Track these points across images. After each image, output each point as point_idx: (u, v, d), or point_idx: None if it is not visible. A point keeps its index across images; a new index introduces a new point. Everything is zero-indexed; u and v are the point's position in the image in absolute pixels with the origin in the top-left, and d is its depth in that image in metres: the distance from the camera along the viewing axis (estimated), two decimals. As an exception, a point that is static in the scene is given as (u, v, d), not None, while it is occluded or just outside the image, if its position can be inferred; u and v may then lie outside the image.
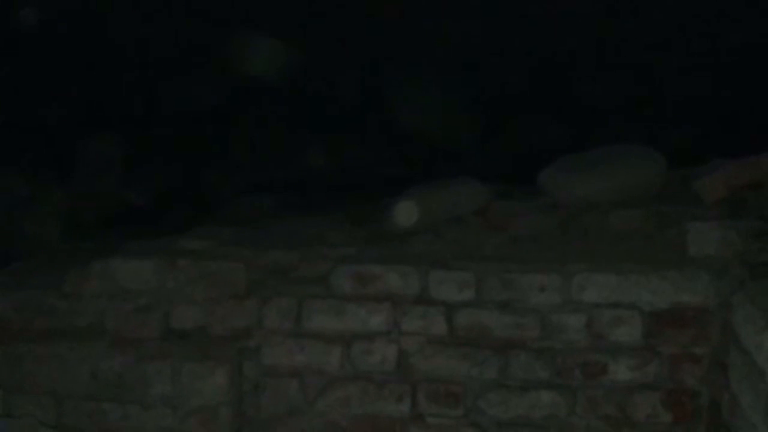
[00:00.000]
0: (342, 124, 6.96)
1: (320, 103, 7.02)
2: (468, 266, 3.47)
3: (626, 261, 3.41)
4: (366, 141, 6.90)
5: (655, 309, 3.31)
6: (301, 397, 3.54)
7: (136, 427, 3.54)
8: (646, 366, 3.33)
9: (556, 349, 3.38)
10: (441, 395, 3.46)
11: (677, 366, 3.32)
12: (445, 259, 3.54)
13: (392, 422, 3.49)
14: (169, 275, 3.62)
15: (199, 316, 3.61)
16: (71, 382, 3.58)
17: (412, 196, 3.98)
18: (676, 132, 6.04)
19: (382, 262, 3.52)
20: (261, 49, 7.01)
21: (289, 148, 6.80)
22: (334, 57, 7.15)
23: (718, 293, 3.24)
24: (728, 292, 3.15)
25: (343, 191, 5.16)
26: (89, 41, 6.83)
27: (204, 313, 3.60)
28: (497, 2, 6.94)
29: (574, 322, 3.36)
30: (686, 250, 3.40)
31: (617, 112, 6.56)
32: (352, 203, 4.49)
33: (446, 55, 6.99)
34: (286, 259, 3.62)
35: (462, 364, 3.43)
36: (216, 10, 7.28)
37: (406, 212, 3.94)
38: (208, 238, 3.86)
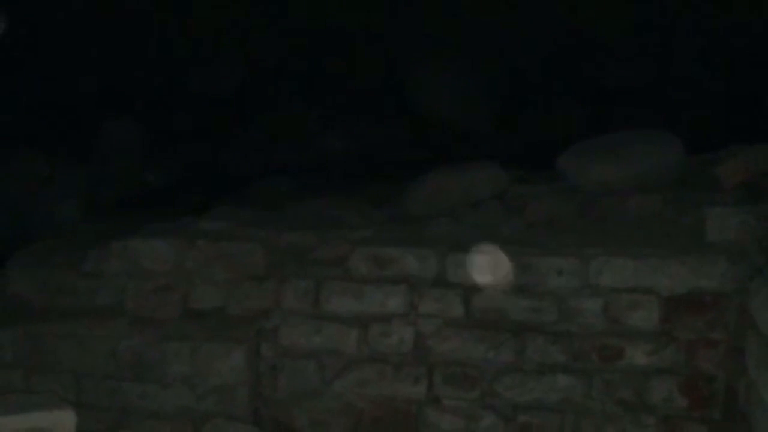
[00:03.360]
0: (361, 107, 6.97)
1: (340, 86, 7.03)
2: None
3: (644, 246, 3.40)
4: (385, 124, 6.90)
5: (672, 294, 3.31)
6: (318, 378, 3.56)
7: (155, 405, 3.58)
8: (662, 351, 3.33)
9: (572, 332, 3.39)
10: (457, 378, 3.47)
11: (694, 351, 3.32)
12: (463, 241, 3.54)
13: (409, 404, 3.51)
14: (188, 256, 3.65)
15: (217, 296, 3.64)
16: (91, 360, 3.62)
17: (430, 180, 3.99)
18: (695, 117, 6.02)
19: (400, 245, 3.53)
20: (282, 31, 7.02)
21: (309, 130, 6.81)
22: (354, 40, 7.15)
23: (736, 278, 3.23)
24: (746, 278, 3.15)
25: (362, 174, 5.17)
26: (111, 21, 6.86)
27: (222, 294, 3.63)
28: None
29: (592, 306, 3.36)
30: (704, 235, 3.39)
31: (637, 97, 6.53)
32: (370, 186, 4.50)
33: (465, 38, 6.98)
34: (304, 241, 3.63)
35: (478, 346, 3.44)
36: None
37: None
38: (227, 219, 3.88)
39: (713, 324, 3.29)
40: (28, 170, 5.80)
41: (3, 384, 3.63)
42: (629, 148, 3.89)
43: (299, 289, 3.56)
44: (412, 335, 3.49)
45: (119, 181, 5.97)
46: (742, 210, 3.37)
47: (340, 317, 3.53)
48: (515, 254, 3.43)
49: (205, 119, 6.76)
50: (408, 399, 3.51)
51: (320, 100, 7.01)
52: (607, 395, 3.38)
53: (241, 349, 3.53)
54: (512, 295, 3.42)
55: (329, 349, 3.54)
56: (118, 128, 6.44)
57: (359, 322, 3.52)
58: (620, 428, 3.37)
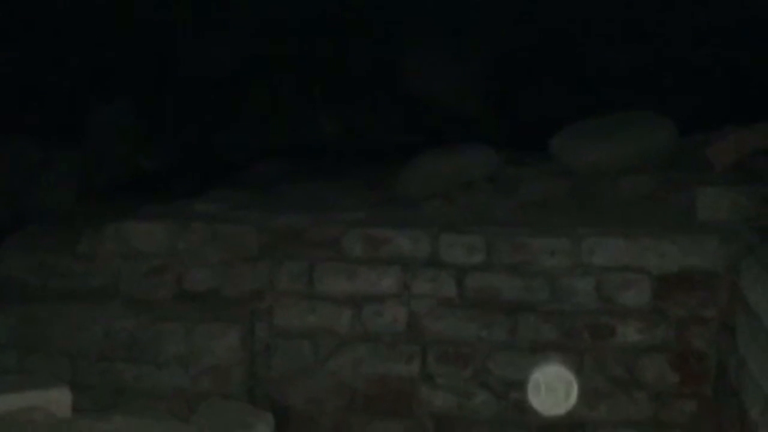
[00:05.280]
0: (354, 91, 6.96)
1: (333, 69, 7.01)
2: (478, 230, 3.49)
3: (636, 225, 3.43)
4: (378, 107, 6.90)
5: (663, 273, 3.34)
6: (312, 358, 3.58)
7: (150, 386, 3.59)
8: (654, 328, 3.36)
9: (565, 311, 3.41)
10: (450, 356, 3.50)
11: (685, 329, 3.35)
12: (456, 222, 3.56)
13: (402, 382, 3.53)
14: (183, 238, 3.66)
15: (211, 278, 3.65)
16: (85, 342, 3.63)
17: (423, 162, 4.00)
18: (687, 98, 6.02)
19: (393, 226, 3.55)
20: (275, 14, 7.01)
21: (302, 113, 6.81)
22: (346, 23, 7.14)
23: (727, 257, 3.26)
24: (737, 256, 3.17)
25: (356, 157, 5.18)
26: (104, 2, 6.83)
27: (217, 276, 3.64)
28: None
29: (584, 285, 3.39)
30: (695, 214, 3.42)
31: (629, 79, 6.54)
32: (364, 168, 4.51)
33: (457, 20, 6.97)
34: (298, 223, 3.65)
35: (471, 325, 3.47)
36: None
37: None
38: (221, 201, 3.89)
39: (704, 302, 3.33)
40: (21, 154, 5.80)
41: (-2, 365, 3.64)
42: (622, 130, 3.92)
43: (293, 270, 3.58)
44: (406, 315, 3.51)
45: (113, 164, 5.96)
46: (733, 190, 3.40)
47: (333, 297, 3.55)
48: (508, 235, 3.45)
49: (199, 102, 6.75)
50: (401, 377, 3.53)
51: (314, 84, 7.00)
52: (599, 372, 3.41)
53: (235, 329, 3.55)
54: (505, 274, 3.44)
55: (323, 328, 3.56)
56: (112, 111, 6.43)
57: (353, 302, 3.54)
58: (612, 404, 3.40)
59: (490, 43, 6.91)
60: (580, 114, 4.16)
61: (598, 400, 3.41)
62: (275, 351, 3.60)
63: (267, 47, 7.11)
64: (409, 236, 3.51)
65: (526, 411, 3.45)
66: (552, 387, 3.42)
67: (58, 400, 2.27)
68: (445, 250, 3.48)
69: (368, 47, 7.13)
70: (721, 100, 6.01)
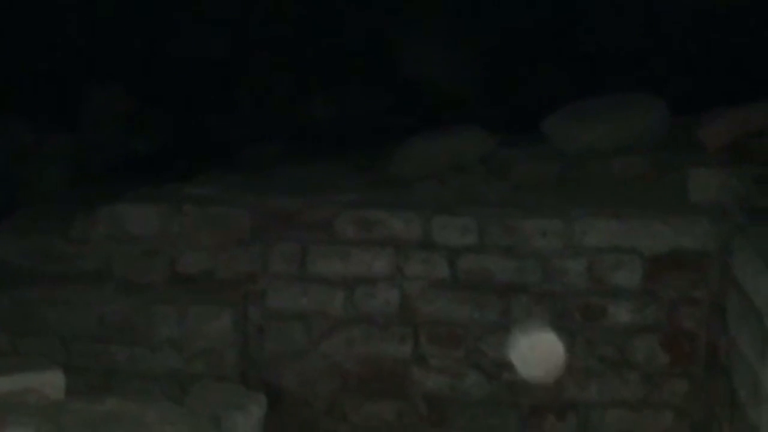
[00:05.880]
0: (347, 72, 6.95)
1: (325, 51, 7.00)
2: (471, 211, 3.50)
3: (627, 206, 3.44)
4: (371, 89, 6.89)
5: (655, 253, 3.35)
6: (305, 340, 3.59)
7: (143, 368, 3.60)
8: (645, 309, 3.37)
9: (556, 292, 3.43)
10: (443, 337, 3.51)
11: (676, 309, 3.36)
12: (449, 204, 3.57)
13: (395, 363, 3.54)
14: (175, 220, 3.66)
15: (204, 260, 3.65)
16: (79, 325, 3.64)
17: (416, 144, 4.00)
18: (679, 80, 6.03)
19: (385, 208, 3.55)
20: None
21: (294, 95, 6.80)
22: (340, 5, 7.12)
23: (718, 238, 3.27)
24: (728, 237, 3.18)
25: (348, 139, 5.18)
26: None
27: (209, 258, 3.64)
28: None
29: (575, 266, 3.40)
30: (687, 195, 3.43)
31: (621, 60, 6.54)
32: (356, 150, 4.51)
33: (452, 2, 6.97)
34: (290, 205, 3.64)
35: (464, 307, 3.48)
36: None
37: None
38: (213, 184, 3.89)
39: (695, 283, 3.34)
40: (13, 137, 5.79)
41: (-10, 349, 3.65)
42: (614, 111, 3.92)
43: (286, 252, 3.58)
44: (398, 296, 3.52)
45: (105, 148, 5.96)
46: (724, 170, 3.41)
47: (326, 279, 3.55)
48: (500, 216, 3.46)
49: (191, 85, 6.74)
50: (394, 359, 3.54)
51: (307, 66, 6.99)
52: (590, 353, 3.42)
53: (228, 311, 3.56)
54: (498, 256, 3.45)
55: (316, 310, 3.57)
56: (105, 94, 6.42)
57: (345, 283, 3.54)
58: (603, 384, 3.42)
59: (484, 25, 6.90)
60: (573, 95, 4.17)
61: (589, 381, 3.43)
62: (268, 333, 3.61)
63: (260, 29, 7.09)
64: (402, 218, 3.51)
65: (518, 392, 3.48)
66: (537, 351, 3.43)
67: (52, 382, 2.28)
68: (437, 231, 3.48)
69: (362, 29, 7.12)
70: (713, 82, 6.02)
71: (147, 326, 3.59)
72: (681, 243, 3.33)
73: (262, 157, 4.75)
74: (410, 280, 3.51)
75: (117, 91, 6.49)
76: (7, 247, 3.85)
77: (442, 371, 3.52)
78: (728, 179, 3.39)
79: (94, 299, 3.63)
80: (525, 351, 3.41)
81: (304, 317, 3.58)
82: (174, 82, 6.76)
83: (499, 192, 3.72)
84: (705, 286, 3.32)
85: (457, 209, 3.53)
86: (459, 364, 3.51)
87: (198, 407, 2.32)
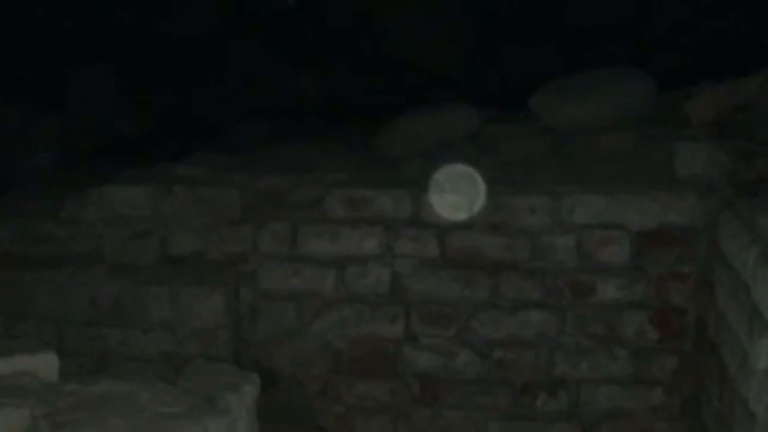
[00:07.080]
0: (335, 51, 6.93)
1: (314, 30, 6.98)
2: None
3: (615, 182, 3.45)
4: (359, 68, 6.87)
5: (643, 229, 3.37)
6: (297, 320, 3.60)
7: (136, 350, 3.61)
8: (634, 285, 3.40)
9: (546, 269, 3.44)
10: (434, 316, 3.53)
11: (664, 285, 3.39)
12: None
13: (386, 342, 3.56)
14: (165, 202, 3.66)
15: (195, 241, 3.65)
16: (71, 307, 3.64)
17: (404, 122, 4.01)
18: (665, 55, 6.03)
19: (375, 187, 3.56)
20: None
21: (284, 75, 6.78)
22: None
23: (705, 212, 3.29)
24: (715, 211, 3.20)
25: (337, 118, 5.17)
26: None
27: (200, 239, 3.65)
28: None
29: (564, 242, 3.42)
30: (674, 170, 3.44)
31: (608, 36, 6.53)
32: (345, 130, 4.51)
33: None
34: (280, 185, 3.65)
35: (454, 285, 3.50)
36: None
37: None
38: (203, 164, 3.88)
39: (683, 258, 3.36)
40: (0, 120, 5.75)
41: (-18, 332, 3.65)
42: (601, 87, 3.92)
43: (276, 232, 3.59)
44: (389, 275, 3.53)
45: (93, 129, 5.93)
46: (712, 145, 3.42)
47: (317, 259, 3.57)
48: (489, 193, 3.46)
49: (178, 65, 6.71)
50: (385, 338, 3.56)
51: (294, 45, 6.96)
52: (580, 330, 3.45)
53: (220, 292, 3.56)
54: (486, 233, 3.47)
55: (307, 290, 3.58)
56: (91, 75, 6.38)
57: (336, 263, 3.56)
58: (593, 361, 3.45)
59: (470, 1, 6.89)
60: (560, 71, 4.17)
61: (579, 358, 3.46)
62: (260, 314, 3.62)
63: (248, 8, 7.06)
64: (391, 196, 3.52)
65: (509, 369, 3.50)
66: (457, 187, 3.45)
67: (45, 365, 2.28)
68: (427, 210, 3.49)
69: (350, 8, 7.09)
70: (699, 57, 6.02)
71: (139, 308, 3.59)
72: (669, 218, 3.35)
73: (251, 137, 4.73)
74: (400, 259, 3.52)
75: (104, 72, 6.45)
76: (-4, 230, 3.84)
77: (433, 350, 3.54)
78: (714, 153, 3.40)
79: (86, 281, 3.63)
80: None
81: (295, 297, 3.59)
82: (161, 62, 6.73)
83: (488, 169, 3.73)
84: (693, 261, 3.34)
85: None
86: (450, 342, 3.53)
87: (191, 388, 2.33)
